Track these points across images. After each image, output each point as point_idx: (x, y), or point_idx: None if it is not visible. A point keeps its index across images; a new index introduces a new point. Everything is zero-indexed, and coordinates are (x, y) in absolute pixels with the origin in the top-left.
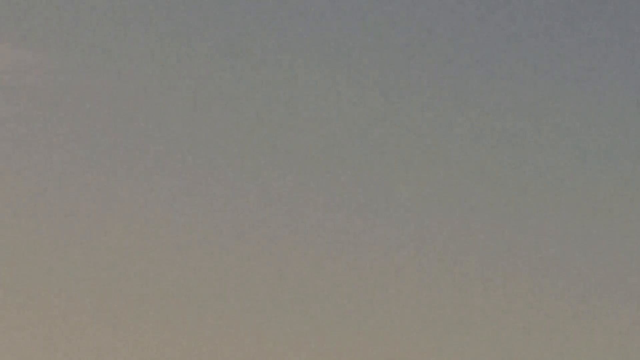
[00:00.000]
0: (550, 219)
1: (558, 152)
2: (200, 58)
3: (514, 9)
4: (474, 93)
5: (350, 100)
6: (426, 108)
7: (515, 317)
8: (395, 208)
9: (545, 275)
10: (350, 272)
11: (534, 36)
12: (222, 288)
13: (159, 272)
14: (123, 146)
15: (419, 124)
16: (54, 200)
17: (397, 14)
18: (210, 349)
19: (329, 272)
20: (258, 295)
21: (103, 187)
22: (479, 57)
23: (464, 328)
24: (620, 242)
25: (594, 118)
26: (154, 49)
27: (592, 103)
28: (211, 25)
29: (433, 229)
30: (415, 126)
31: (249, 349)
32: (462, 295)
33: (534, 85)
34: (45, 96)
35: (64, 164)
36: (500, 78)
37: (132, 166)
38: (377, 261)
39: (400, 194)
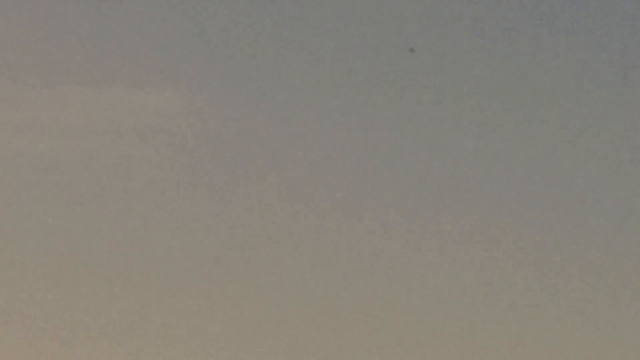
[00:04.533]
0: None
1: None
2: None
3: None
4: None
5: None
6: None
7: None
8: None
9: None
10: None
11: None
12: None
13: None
14: (271, 191)
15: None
16: (198, 248)
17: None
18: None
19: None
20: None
21: (241, 231)
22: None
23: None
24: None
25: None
26: (303, 95)
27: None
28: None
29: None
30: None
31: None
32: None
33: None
34: (191, 140)
35: (207, 206)
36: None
37: (278, 209)
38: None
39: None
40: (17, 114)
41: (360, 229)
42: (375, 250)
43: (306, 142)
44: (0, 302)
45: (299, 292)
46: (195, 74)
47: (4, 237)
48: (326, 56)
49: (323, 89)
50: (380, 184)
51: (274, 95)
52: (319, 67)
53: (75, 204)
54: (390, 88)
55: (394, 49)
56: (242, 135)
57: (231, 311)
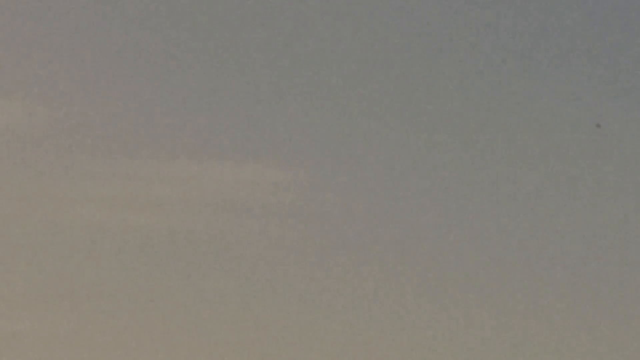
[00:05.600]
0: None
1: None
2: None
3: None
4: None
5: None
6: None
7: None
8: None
9: (546, 276)
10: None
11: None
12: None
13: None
14: (379, 264)
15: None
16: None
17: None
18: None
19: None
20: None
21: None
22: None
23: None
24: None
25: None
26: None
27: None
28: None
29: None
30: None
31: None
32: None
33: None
34: (300, 215)
35: (328, 282)
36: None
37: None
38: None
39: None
40: (125, 187)
41: None
42: None
43: (411, 216)
44: None
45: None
46: (287, 147)
47: (123, 309)
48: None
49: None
50: None
51: (370, 170)
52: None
53: (180, 276)
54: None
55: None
56: (337, 206)
57: None
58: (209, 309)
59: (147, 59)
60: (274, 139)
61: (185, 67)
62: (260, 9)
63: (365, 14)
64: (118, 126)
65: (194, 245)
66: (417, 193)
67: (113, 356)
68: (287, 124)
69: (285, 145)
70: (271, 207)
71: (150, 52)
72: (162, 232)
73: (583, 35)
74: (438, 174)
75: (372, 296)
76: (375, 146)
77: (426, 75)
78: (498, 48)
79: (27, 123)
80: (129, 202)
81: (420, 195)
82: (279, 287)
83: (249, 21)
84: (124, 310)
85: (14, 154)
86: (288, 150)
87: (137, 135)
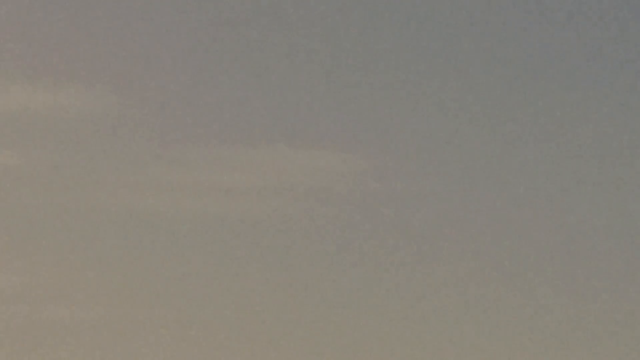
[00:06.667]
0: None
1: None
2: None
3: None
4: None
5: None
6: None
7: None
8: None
9: (546, 276)
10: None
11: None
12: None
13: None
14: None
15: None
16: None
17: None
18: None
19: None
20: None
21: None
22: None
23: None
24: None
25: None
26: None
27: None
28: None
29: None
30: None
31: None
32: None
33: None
34: (360, 200)
35: (380, 270)
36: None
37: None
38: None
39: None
40: (187, 174)
41: None
42: None
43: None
44: None
45: None
46: (355, 132)
47: (171, 294)
48: None
49: None
50: None
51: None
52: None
53: (241, 262)
54: None
55: None
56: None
57: None
58: (287, 295)
59: (224, 45)
60: (355, 126)
61: (260, 53)
62: None
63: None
64: (191, 112)
65: (268, 233)
66: (497, 187)
67: (181, 343)
68: (365, 111)
69: (365, 132)
70: (350, 195)
71: (228, 39)
72: (235, 220)
73: None
74: (518, 170)
75: (449, 286)
76: (456, 138)
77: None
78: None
79: (98, 109)
80: (203, 189)
81: (500, 192)
82: (355, 273)
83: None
84: (197, 299)
85: (85, 141)
86: (368, 137)
87: (210, 122)
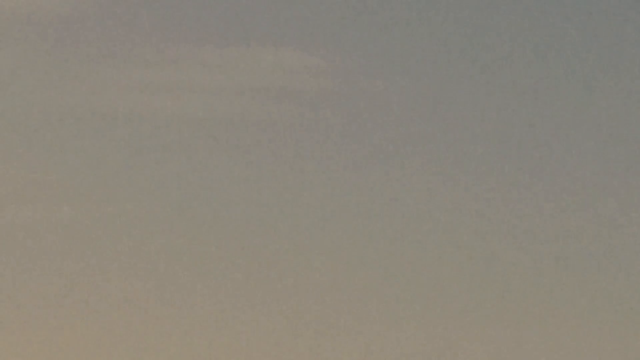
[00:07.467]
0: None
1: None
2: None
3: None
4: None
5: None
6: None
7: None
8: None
9: (546, 276)
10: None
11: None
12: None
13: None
14: (412, 150)
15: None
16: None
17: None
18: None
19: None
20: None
21: (376, 187)
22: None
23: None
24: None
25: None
26: (447, 50)
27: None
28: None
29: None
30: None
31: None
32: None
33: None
34: (332, 99)
35: (351, 167)
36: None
37: (413, 171)
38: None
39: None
40: (181, 74)
41: None
42: None
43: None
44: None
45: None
46: (333, 35)
47: (151, 191)
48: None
49: None
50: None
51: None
52: None
53: (237, 160)
54: None
55: None
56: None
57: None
58: (254, 190)
59: None
60: (313, 24)
61: None
62: None
63: None
64: (161, 14)
65: (232, 131)
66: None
67: (157, 240)
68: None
69: (323, 30)
70: (309, 93)
71: None
72: (199, 118)
73: None
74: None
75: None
76: (417, 32)
77: None
78: None
79: (75, 13)
80: (168, 88)
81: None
82: (315, 174)
83: None
84: (168, 196)
85: (60, 42)
86: (326, 35)
87: (178, 21)
